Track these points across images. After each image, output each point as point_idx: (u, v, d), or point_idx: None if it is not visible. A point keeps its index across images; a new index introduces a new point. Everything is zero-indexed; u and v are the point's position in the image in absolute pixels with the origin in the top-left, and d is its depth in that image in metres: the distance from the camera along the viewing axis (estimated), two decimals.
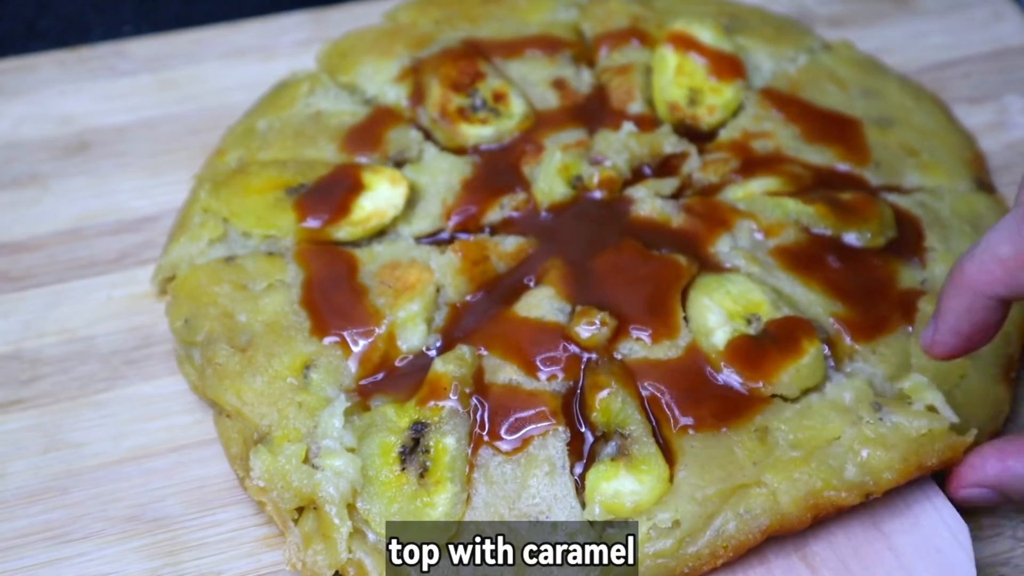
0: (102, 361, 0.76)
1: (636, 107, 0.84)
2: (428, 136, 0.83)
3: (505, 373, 0.69)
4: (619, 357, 0.68)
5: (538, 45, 0.89)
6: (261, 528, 0.69)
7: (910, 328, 0.71)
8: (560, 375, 0.68)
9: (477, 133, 0.82)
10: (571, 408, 0.67)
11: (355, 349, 0.71)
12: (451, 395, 0.67)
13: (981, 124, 0.91)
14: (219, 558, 0.68)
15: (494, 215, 0.78)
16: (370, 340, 0.71)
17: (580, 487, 0.65)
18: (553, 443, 0.66)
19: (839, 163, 0.81)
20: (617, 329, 0.69)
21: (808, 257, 0.74)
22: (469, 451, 0.66)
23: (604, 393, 0.66)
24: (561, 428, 0.66)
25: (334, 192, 0.77)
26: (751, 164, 0.80)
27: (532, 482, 0.65)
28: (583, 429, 0.66)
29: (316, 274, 0.74)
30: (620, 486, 0.62)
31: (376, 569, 0.63)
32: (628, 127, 0.81)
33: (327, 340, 0.71)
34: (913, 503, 0.64)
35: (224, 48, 0.97)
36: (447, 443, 0.66)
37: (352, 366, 0.70)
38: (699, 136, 0.83)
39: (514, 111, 0.83)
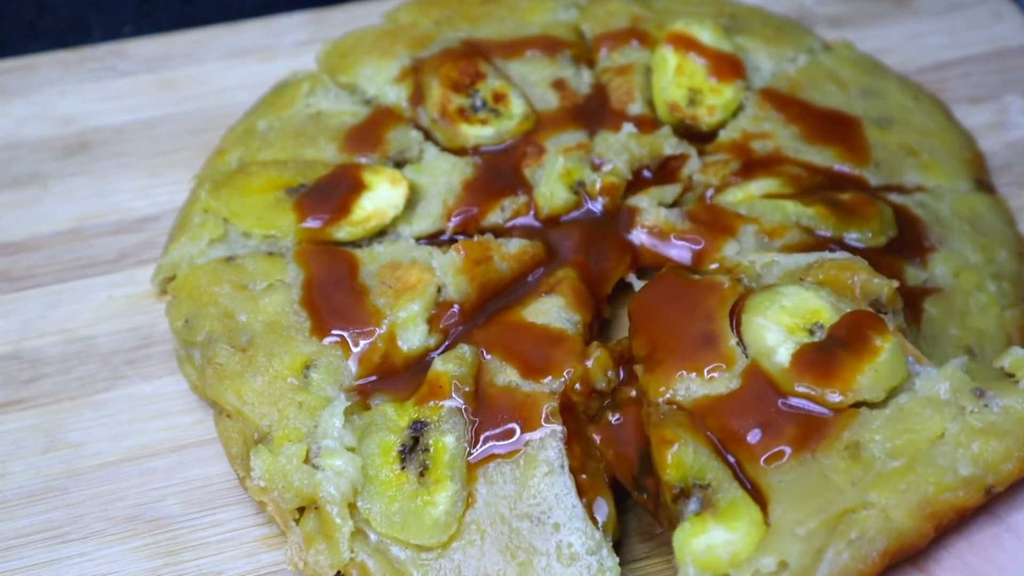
0: (102, 361, 0.76)
1: (636, 107, 0.84)
2: (428, 136, 0.83)
3: (505, 375, 0.69)
4: (677, 397, 0.63)
5: (538, 45, 0.89)
6: (261, 528, 0.69)
7: None
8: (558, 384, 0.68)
9: (477, 133, 0.82)
10: (570, 410, 0.68)
11: (355, 349, 0.71)
12: (451, 394, 0.67)
13: (981, 124, 0.91)
14: (219, 558, 0.68)
15: (495, 216, 0.78)
16: (370, 340, 0.71)
17: (582, 490, 0.65)
18: (551, 443, 0.66)
19: (839, 163, 0.81)
20: (659, 368, 0.64)
21: None
22: (467, 448, 0.66)
23: (674, 448, 0.60)
24: (559, 428, 0.66)
25: (334, 192, 0.77)
26: (751, 165, 0.80)
27: (532, 482, 0.65)
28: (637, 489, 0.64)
29: (316, 274, 0.74)
30: (711, 539, 0.56)
31: (379, 570, 0.63)
32: (628, 128, 0.81)
33: (327, 340, 0.71)
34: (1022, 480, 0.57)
35: (224, 48, 0.97)
36: (447, 442, 0.66)
37: (352, 366, 0.70)
38: (699, 136, 0.84)
39: (514, 111, 0.83)
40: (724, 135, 0.83)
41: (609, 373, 0.68)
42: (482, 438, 0.66)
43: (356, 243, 0.77)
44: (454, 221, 0.78)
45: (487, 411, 0.67)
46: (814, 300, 0.64)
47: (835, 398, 0.60)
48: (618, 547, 0.66)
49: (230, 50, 0.97)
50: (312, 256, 0.76)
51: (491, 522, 0.64)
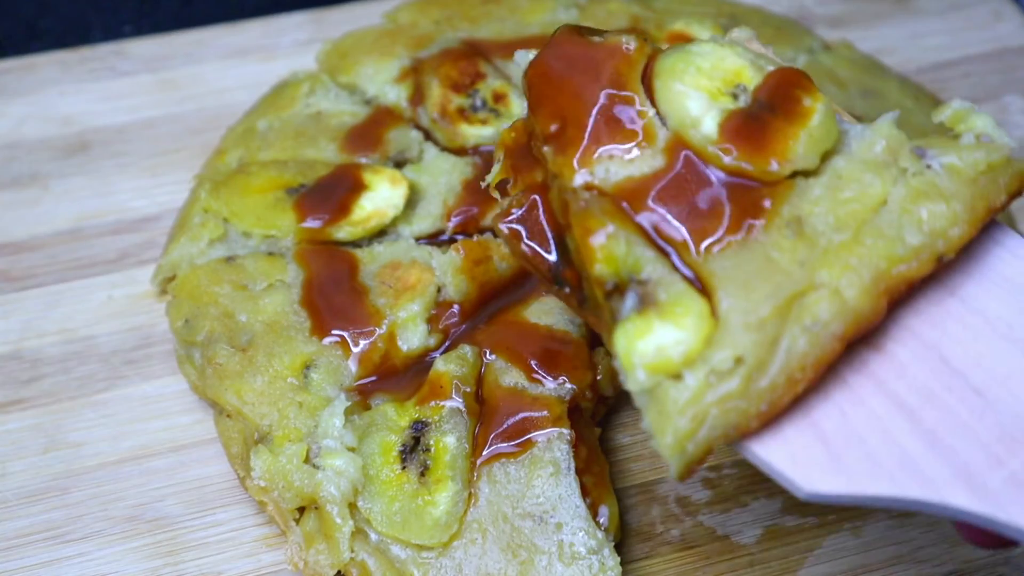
0: (102, 361, 0.76)
1: None
2: (428, 136, 0.83)
3: (511, 377, 0.69)
4: (596, 181, 0.56)
5: (538, 45, 0.88)
6: (261, 528, 0.69)
7: None
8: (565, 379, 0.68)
9: (477, 133, 0.82)
10: (577, 412, 0.68)
11: (355, 349, 0.71)
12: (452, 394, 0.67)
13: None
14: (219, 558, 0.67)
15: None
16: (370, 340, 0.71)
17: (586, 491, 0.65)
18: (558, 445, 0.66)
19: None
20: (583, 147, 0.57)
21: None
22: (468, 448, 0.66)
23: (601, 237, 0.54)
24: (566, 431, 0.66)
25: (334, 192, 0.77)
26: None
27: (537, 483, 0.65)
28: (566, 289, 0.57)
29: (316, 274, 0.74)
30: (660, 339, 0.52)
31: (379, 569, 0.63)
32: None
33: (327, 340, 0.71)
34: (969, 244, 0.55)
35: (224, 48, 0.97)
36: (447, 442, 0.66)
37: (352, 366, 0.70)
38: None
39: (514, 111, 0.83)
40: None
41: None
42: (490, 438, 0.66)
43: (356, 243, 0.77)
44: (454, 221, 0.78)
45: (493, 412, 0.67)
46: (732, 58, 0.58)
47: (772, 168, 0.54)
48: (618, 547, 0.66)
49: (230, 50, 0.97)
50: (312, 256, 0.76)
51: (493, 521, 0.64)
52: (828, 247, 0.53)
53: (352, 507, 0.64)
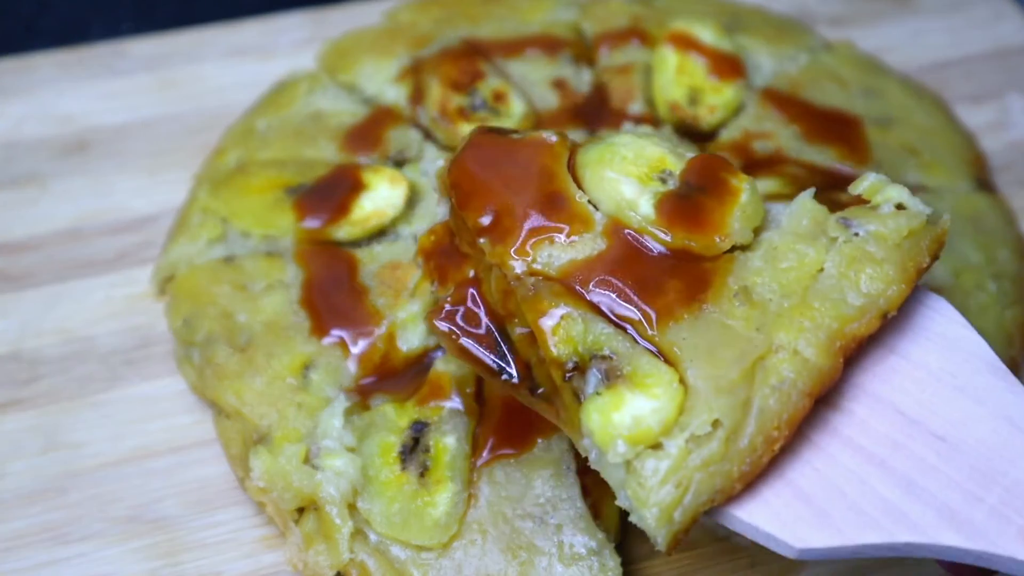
0: (101, 361, 0.76)
1: (636, 107, 0.84)
2: (428, 136, 0.83)
3: None
4: (538, 266, 0.57)
5: (538, 45, 0.89)
6: (261, 529, 0.69)
7: None
8: None
9: None
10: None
11: (355, 349, 0.71)
12: (452, 395, 0.67)
13: (982, 123, 0.91)
14: (219, 559, 0.67)
15: None
16: (370, 340, 0.71)
17: (587, 491, 0.65)
18: (560, 447, 0.66)
19: (840, 163, 0.81)
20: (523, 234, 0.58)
21: None
22: (467, 449, 0.66)
23: (554, 318, 0.55)
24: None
25: (334, 192, 0.77)
26: (752, 165, 0.80)
27: (537, 483, 0.65)
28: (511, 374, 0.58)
29: (316, 274, 0.74)
30: (635, 410, 0.53)
31: (379, 570, 0.63)
32: (628, 128, 0.81)
33: (327, 340, 0.71)
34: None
35: (224, 48, 0.97)
36: (447, 442, 0.66)
37: (352, 366, 0.70)
38: (700, 136, 0.83)
39: (514, 111, 0.83)
40: (725, 135, 0.83)
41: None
42: (489, 439, 0.66)
43: (356, 243, 0.77)
44: None
45: (493, 412, 0.67)
46: (652, 148, 0.61)
47: (715, 243, 0.57)
48: (619, 548, 0.66)
49: (229, 49, 0.96)
50: (311, 256, 0.75)
51: (493, 522, 0.64)
52: (779, 312, 0.56)
53: (352, 508, 0.64)
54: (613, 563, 0.63)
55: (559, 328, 0.55)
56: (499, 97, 0.84)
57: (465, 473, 0.65)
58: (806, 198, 0.60)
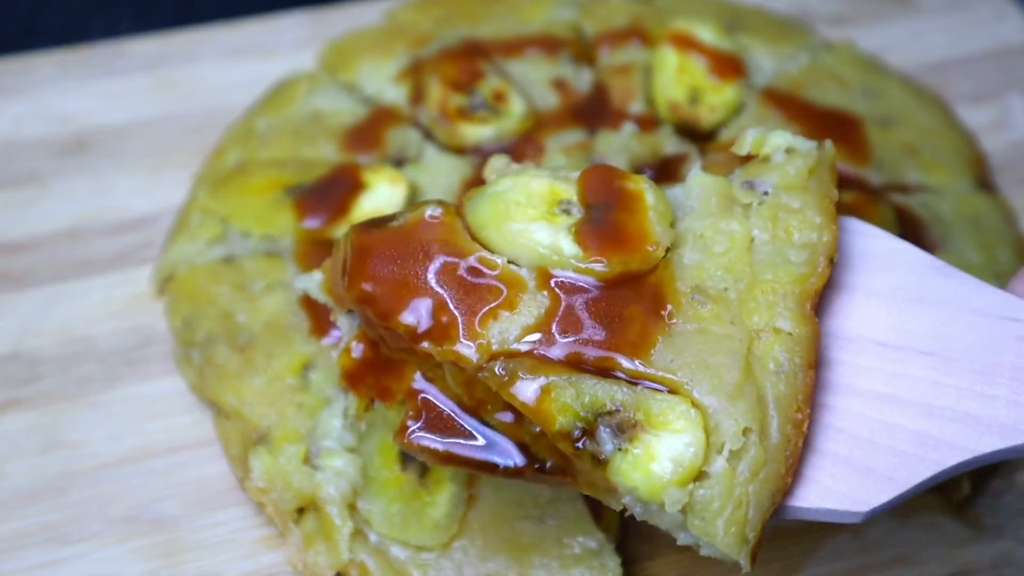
0: (101, 361, 0.76)
1: (637, 106, 0.84)
2: (428, 136, 0.83)
3: None
4: (494, 347, 0.54)
5: (538, 44, 0.89)
6: (261, 529, 0.69)
7: None
8: None
9: (477, 133, 0.82)
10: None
11: (354, 350, 0.70)
12: None
13: (983, 123, 0.91)
14: (219, 559, 0.67)
15: None
16: None
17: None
18: None
19: (840, 163, 0.81)
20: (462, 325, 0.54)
21: None
22: None
23: (540, 394, 0.52)
24: None
25: (333, 192, 0.77)
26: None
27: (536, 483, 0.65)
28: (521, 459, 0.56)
29: None
30: (670, 452, 0.51)
31: (379, 570, 0.63)
32: (628, 127, 0.81)
33: (327, 340, 0.71)
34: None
35: (223, 47, 0.96)
36: None
37: None
38: (700, 136, 0.83)
39: (514, 110, 0.83)
40: (725, 134, 0.83)
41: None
42: None
43: None
44: None
45: None
46: (535, 182, 0.58)
47: (650, 253, 0.55)
48: (619, 548, 0.66)
49: (229, 49, 0.96)
50: (311, 256, 0.75)
51: (493, 522, 0.64)
52: (740, 297, 0.55)
53: (351, 508, 0.64)
54: (613, 563, 0.63)
55: (551, 402, 0.52)
56: (499, 97, 0.84)
57: (465, 473, 0.65)
58: (700, 175, 0.59)
